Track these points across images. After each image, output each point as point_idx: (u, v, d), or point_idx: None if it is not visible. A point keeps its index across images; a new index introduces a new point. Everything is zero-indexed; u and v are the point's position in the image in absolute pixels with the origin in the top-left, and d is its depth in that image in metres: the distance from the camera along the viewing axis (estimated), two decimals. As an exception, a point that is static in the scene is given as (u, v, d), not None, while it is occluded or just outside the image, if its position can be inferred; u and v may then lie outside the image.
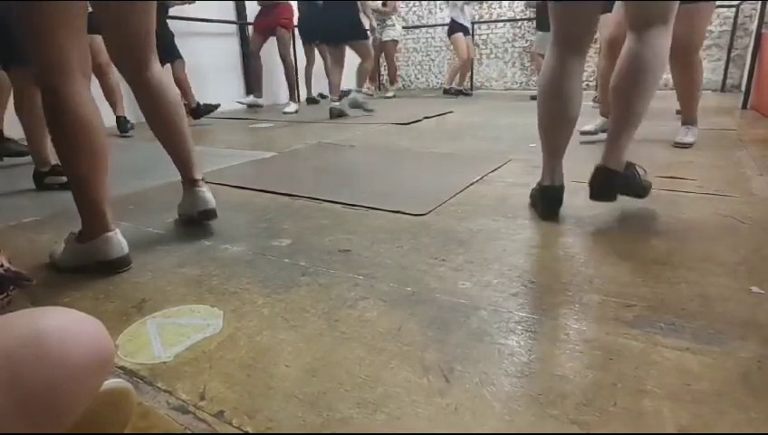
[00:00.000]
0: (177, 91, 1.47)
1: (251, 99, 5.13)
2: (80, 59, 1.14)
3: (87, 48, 1.18)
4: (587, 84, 6.33)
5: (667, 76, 2.45)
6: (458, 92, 6.14)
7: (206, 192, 1.48)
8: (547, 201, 1.49)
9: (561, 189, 1.49)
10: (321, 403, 0.71)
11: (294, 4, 4.86)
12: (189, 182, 1.48)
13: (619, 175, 1.38)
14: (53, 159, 2.07)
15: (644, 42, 1.29)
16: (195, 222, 1.50)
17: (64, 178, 2.02)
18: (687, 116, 2.52)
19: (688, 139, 2.43)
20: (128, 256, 1.22)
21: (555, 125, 1.47)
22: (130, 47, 1.32)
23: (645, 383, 0.73)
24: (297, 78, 5.22)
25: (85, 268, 1.19)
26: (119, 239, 1.20)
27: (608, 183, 1.39)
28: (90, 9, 1.20)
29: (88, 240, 1.19)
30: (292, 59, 5.02)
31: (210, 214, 1.47)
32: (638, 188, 1.43)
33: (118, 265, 1.20)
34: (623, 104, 1.36)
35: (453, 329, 0.90)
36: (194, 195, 1.47)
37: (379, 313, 0.97)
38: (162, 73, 1.40)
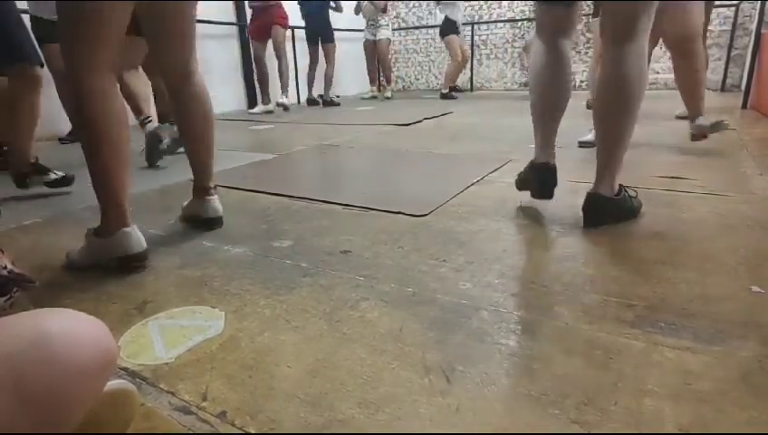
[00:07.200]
0: (210, 102, 1.46)
1: (261, 108, 5.06)
2: (111, 57, 1.14)
3: (122, 45, 1.18)
4: (585, 85, 6.34)
5: (663, 76, 2.44)
6: (453, 90, 6.14)
7: (216, 201, 1.51)
8: (542, 178, 1.50)
9: (554, 169, 1.51)
10: (322, 404, 0.72)
11: (291, 5, 4.89)
12: (202, 189, 1.51)
13: (611, 201, 1.38)
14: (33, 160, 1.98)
15: (615, 63, 1.29)
16: (198, 224, 1.52)
17: (51, 177, 1.98)
18: (696, 110, 2.33)
19: (709, 121, 2.27)
20: (146, 252, 1.22)
21: (548, 109, 1.50)
22: (175, 49, 1.33)
23: (646, 383, 0.73)
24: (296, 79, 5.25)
25: (101, 265, 1.19)
26: (137, 234, 1.21)
27: (600, 210, 1.39)
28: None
29: (107, 235, 1.19)
30: (288, 58, 5.04)
31: (216, 222, 1.51)
32: (629, 213, 1.43)
33: (137, 260, 1.20)
34: (608, 128, 1.36)
35: (454, 329, 0.90)
36: (204, 203, 1.50)
37: (380, 313, 0.97)
38: (203, 83, 1.41)
